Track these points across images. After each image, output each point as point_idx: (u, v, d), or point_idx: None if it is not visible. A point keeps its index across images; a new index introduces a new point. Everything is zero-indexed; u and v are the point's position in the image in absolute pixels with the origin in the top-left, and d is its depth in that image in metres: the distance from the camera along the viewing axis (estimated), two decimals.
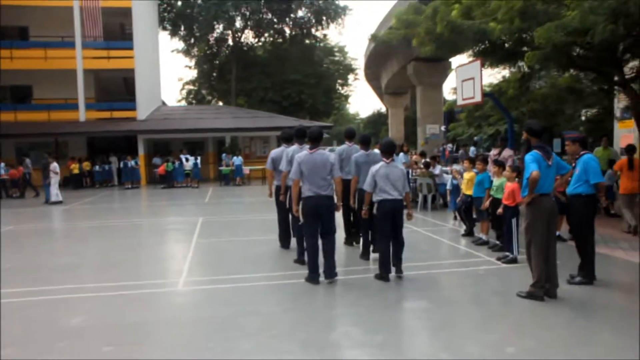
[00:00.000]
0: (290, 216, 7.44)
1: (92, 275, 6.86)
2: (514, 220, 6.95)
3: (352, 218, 8.28)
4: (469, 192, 8.84)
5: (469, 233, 9.04)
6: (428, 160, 13.63)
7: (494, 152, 9.48)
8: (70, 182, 23.31)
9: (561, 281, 5.57)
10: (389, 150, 6.41)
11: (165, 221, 12.07)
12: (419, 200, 12.61)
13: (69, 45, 25.70)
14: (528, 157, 5.19)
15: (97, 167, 24.28)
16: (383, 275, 6.28)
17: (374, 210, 6.42)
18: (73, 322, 5.00)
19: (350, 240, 8.49)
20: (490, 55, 12.78)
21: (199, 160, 23.28)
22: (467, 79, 11.56)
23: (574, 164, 5.90)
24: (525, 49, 12.48)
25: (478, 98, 11.28)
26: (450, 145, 36.37)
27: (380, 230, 6.41)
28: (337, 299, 5.69)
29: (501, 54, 12.69)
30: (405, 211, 6.45)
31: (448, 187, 10.41)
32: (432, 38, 12.44)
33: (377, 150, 7.82)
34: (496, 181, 7.93)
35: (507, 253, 7.07)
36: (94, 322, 5.01)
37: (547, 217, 5.26)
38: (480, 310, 5.25)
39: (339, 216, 6.81)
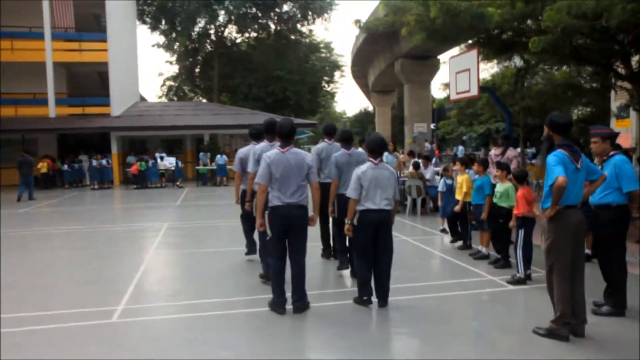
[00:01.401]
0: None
1: (11, 301, 5.60)
2: (521, 232, 5.85)
3: (330, 228, 7.12)
4: (460, 197, 7.73)
5: (465, 246, 7.92)
6: (418, 160, 12.52)
7: (495, 151, 8.34)
8: (39, 182, 21.89)
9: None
10: (377, 149, 5.19)
11: (125, 228, 10.79)
12: (408, 204, 11.49)
13: (37, 37, 24.19)
14: (551, 158, 4.05)
15: (65, 167, 22.82)
16: (364, 299, 5.14)
17: (354, 221, 5.17)
18: None
19: (327, 252, 7.34)
20: (487, 46, 11.70)
21: (174, 159, 22.00)
22: (461, 70, 10.47)
23: (601, 167, 4.77)
24: (524, 39, 11.43)
25: (474, 91, 10.17)
26: (428, 145, 35.38)
27: (359, 248, 5.25)
28: (306, 339, 4.53)
29: (498, 44, 11.63)
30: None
31: (440, 189, 9.26)
32: (423, 26, 11.34)
33: (360, 150, 6.65)
34: (499, 186, 6.83)
35: (518, 274, 5.95)
36: None
37: (574, 236, 4.12)
38: (488, 352, 4.11)
39: (313, 232, 5.63)
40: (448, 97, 18.94)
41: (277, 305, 4.96)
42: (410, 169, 12.01)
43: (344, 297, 5.49)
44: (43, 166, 21.35)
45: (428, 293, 5.68)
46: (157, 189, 20.43)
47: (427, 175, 11.54)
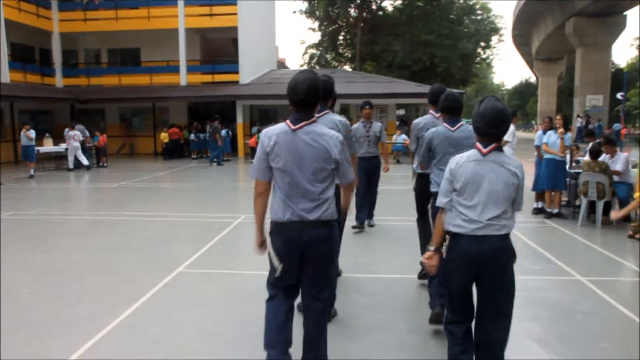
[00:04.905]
0: None
1: None
2: None
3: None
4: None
5: None
6: (599, 142, 8.59)
7: None
8: (165, 152, 21.40)
9: None
10: (488, 129, 2.80)
11: (188, 218, 8.45)
12: (582, 210, 7.75)
13: (171, 3, 23.56)
14: None
15: (192, 136, 22.06)
16: None
17: (442, 250, 2.97)
18: None
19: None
20: None
21: None
22: None
23: None
24: None
25: None
26: (580, 120, 29.08)
27: (451, 301, 2.98)
28: None
29: None
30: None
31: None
32: None
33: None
34: None
35: None
36: None
37: None
38: None
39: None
40: None
41: None
42: (587, 156, 8.20)
43: None
44: (165, 136, 20.66)
45: None
46: None
47: (618, 167, 7.70)
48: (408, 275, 5.26)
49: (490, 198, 2.78)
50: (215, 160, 18.64)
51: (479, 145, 2.85)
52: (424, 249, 5.19)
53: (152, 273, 5.35)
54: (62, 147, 17.07)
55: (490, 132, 2.80)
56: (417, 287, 4.90)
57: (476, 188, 2.80)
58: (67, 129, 17.12)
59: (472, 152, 2.87)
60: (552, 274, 5.32)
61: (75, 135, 16.56)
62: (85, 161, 16.73)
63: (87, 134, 17.45)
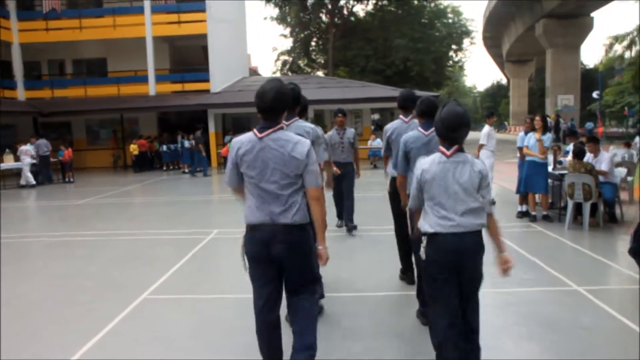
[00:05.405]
0: None
1: None
2: None
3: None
4: None
5: None
6: (582, 142, 8.38)
7: None
8: (135, 165, 20.66)
9: None
10: (448, 133, 2.94)
11: (157, 236, 7.87)
12: (568, 212, 7.49)
13: (138, 11, 22.90)
14: None
15: (164, 148, 21.40)
16: None
17: (421, 253, 2.98)
18: None
19: (409, 276, 4.98)
20: None
21: None
22: None
23: None
24: None
25: None
26: (550, 120, 29.25)
27: (434, 302, 2.99)
28: None
29: None
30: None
31: None
32: None
33: None
34: None
35: None
36: None
37: None
38: None
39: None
40: (620, 56, 14.07)
41: None
42: (570, 157, 7.96)
43: None
44: (134, 148, 19.97)
45: None
46: None
47: (603, 167, 7.47)
48: (394, 293, 4.87)
49: (459, 196, 2.88)
50: (200, 170, 18.31)
51: (442, 148, 2.96)
52: (405, 263, 4.87)
53: (113, 301, 4.83)
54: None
55: (451, 135, 2.92)
56: (404, 306, 4.48)
57: (445, 188, 2.90)
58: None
59: (435, 156, 2.98)
60: (546, 285, 4.98)
61: (27, 151, 15.81)
62: (31, 180, 15.83)
63: (50, 148, 16.67)
